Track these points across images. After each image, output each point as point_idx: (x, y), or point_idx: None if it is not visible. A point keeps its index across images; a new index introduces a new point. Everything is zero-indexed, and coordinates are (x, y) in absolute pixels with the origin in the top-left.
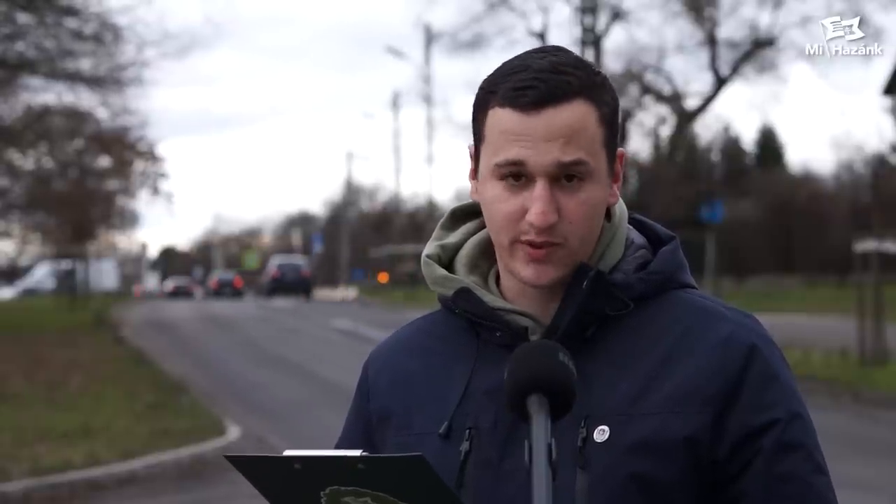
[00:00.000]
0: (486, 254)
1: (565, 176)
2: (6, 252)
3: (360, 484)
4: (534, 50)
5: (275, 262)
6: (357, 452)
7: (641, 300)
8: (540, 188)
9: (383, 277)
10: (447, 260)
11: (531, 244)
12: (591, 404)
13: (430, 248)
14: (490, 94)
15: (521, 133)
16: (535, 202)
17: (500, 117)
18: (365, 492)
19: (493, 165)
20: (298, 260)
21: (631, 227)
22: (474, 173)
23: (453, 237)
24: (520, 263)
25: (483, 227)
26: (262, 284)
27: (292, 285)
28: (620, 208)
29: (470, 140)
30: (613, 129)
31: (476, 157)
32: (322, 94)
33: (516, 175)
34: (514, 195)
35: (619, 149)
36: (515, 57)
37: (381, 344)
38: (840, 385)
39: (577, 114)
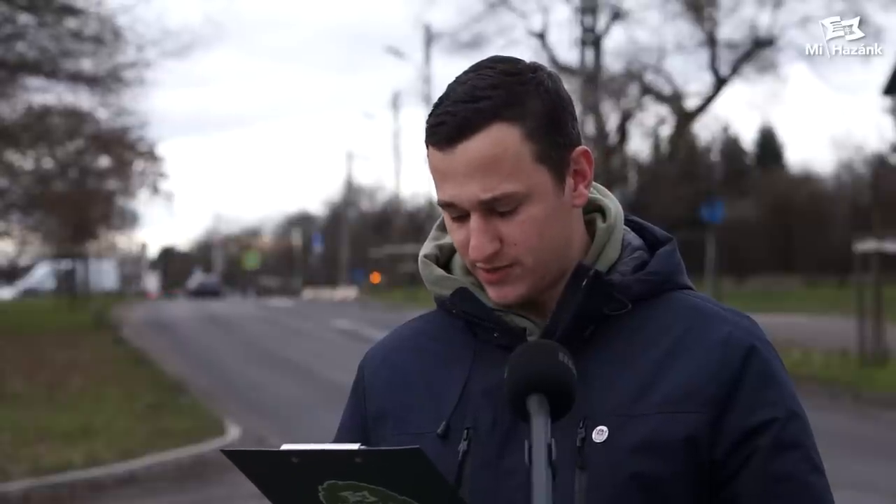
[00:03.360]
0: None
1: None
2: (6, 252)
3: (358, 478)
4: (472, 66)
5: (197, 280)
6: (355, 446)
7: (639, 301)
8: (473, 221)
9: (375, 278)
10: (444, 260)
11: (485, 270)
12: (590, 405)
13: (427, 248)
14: (425, 129)
15: (444, 172)
16: (472, 236)
17: (430, 155)
18: (363, 486)
19: (437, 202)
20: (212, 278)
21: (628, 228)
22: None
23: (450, 237)
24: (485, 284)
25: None
26: (189, 291)
27: (208, 291)
28: (616, 208)
29: None
30: (553, 134)
31: None
32: (322, 95)
33: (454, 211)
34: (461, 225)
35: (580, 147)
36: (453, 80)
37: (377, 344)
38: (840, 385)
39: (491, 141)
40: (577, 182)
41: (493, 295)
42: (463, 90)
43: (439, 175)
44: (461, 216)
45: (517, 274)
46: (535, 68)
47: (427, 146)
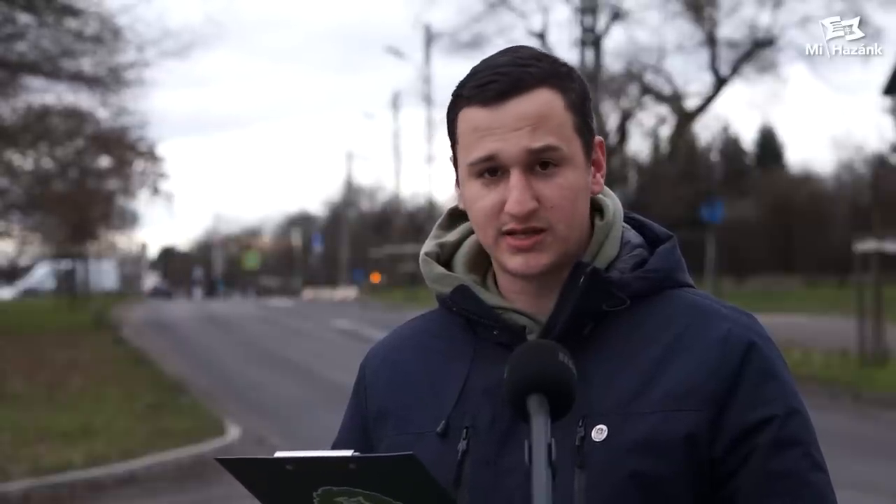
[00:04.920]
0: (485, 253)
1: (540, 163)
2: (6, 252)
3: (353, 484)
4: (498, 52)
5: (152, 283)
6: (348, 453)
7: (639, 299)
8: (515, 177)
9: (375, 278)
10: (446, 258)
11: (514, 234)
12: (589, 403)
13: (428, 246)
14: (458, 97)
15: (490, 127)
16: (511, 191)
17: (469, 116)
18: (357, 492)
19: (468, 165)
20: (163, 283)
21: (628, 226)
22: (458, 182)
23: (451, 236)
24: (507, 255)
25: None
26: (146, 294)
27: (160, 293)
28: (615, 206)
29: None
30: (585, 116)
31: (455, 162)
32: (322, 95)
33: (492, 170)
34: (491, 190)
35: (598, 137)
36: (482, 60)
37: (378, 343)
38: (840, 385)
39: (542, 101)
40: (595, 170)
41: (519, 265)
42: (506, 59)
43: (481, 132)
44: (495, 176)
45: (548, 242)
46: (563, 60)
47: (461, 109)
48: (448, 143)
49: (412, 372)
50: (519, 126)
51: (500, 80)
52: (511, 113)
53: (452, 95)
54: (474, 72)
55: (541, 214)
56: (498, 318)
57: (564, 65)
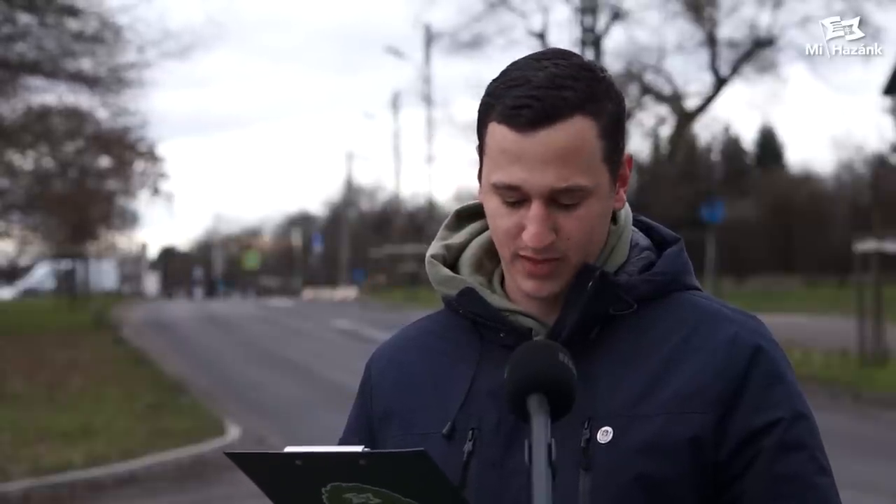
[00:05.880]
0: (491, 254)
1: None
2: (6, 252)
3: (362, 480)
4: (538, 55)
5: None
6: (359, 448)
7: (646, 302)
8: (535, 209)
9: (378, 278)
10: (452, 260)
11: (530, 260)
12: (595, 405)
13: (434, 248)
14: (490, 107)
15: (518, 154)
16: (531, 223)
17: (498, 134)
18: (367, 488)
19: (490, 184)
20: (156, 286)
21: (636, 229)
22: (480, 175)
23: (458, 237)
24: (520, 276)
25: (487, 227)
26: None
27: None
28: (626, 210)
29: (475, 139)
30: (617, 136)
31: (481, 157)
32: (322, 95)
33: (513, 195)
34: (512, 211)
35: (627, 153)
36: (519, 63)
37: (384, 343)
38: (840, 385)
39: (574, 132)
40: (619, 186)
41: (530, 287)
42: (544, 76)
43: (510, 157)
44: (516, 202)
45: (560, 269)
46: (602, 68)
47: (491, 121)
48: (477, 138)
49: (417, 373)
50: (547, 160)
51: (533, 105)
52: (541, 143)
53: (485, 97)
54: (511, 83)
55: (557, 245)
56: (504, 320)
57: (603, 79)
